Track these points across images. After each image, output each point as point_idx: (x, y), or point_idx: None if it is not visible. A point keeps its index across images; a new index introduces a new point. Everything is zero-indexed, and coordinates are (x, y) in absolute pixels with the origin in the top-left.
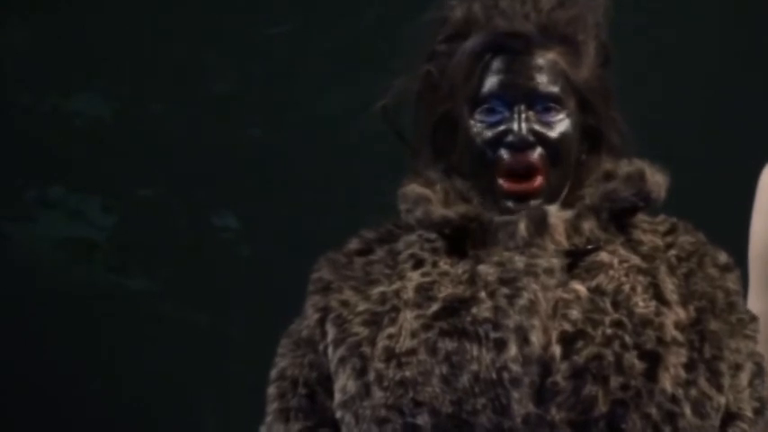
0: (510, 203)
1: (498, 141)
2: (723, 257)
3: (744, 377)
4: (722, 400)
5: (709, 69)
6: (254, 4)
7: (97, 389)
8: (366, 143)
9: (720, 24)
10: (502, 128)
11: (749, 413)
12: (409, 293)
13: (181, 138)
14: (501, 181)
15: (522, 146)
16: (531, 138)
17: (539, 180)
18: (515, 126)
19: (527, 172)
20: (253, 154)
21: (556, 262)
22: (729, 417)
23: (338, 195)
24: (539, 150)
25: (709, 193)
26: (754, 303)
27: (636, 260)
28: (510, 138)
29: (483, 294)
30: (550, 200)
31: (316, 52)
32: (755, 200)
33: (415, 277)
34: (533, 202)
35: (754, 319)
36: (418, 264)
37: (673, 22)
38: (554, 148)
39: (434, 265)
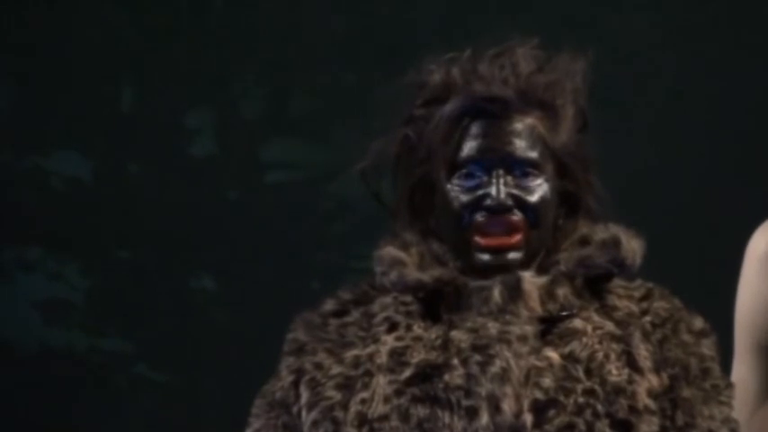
0: (486, 257)
1: (476, 205)
2: (698, 323)
3: None
4: None
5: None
6: (229, 68)
7: None
8: (345, 206)
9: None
10: (480, 192)
11: None
12: (383, 358)
13: (159, 199)
14: (477, 238)
15: (499, 209)
16: (510, 202)
17: (517, 237)
18: (493, 190)
19: (506, 231)
20: (231, 216)
21: (529, 329)
22: None
23: (316, 259)
24: (517, 214)
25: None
26: (738, 369)
27: (610, 326)
28: (488, 201)
29: (456, 361)
30: (528, 259)
31: (292, 115)
32: (742, 268)
33: (389, 341)
34: (512, 255)
35: (729, 385)
36: (392, 327)
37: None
38: (533, 212)
39: (408, 328)
